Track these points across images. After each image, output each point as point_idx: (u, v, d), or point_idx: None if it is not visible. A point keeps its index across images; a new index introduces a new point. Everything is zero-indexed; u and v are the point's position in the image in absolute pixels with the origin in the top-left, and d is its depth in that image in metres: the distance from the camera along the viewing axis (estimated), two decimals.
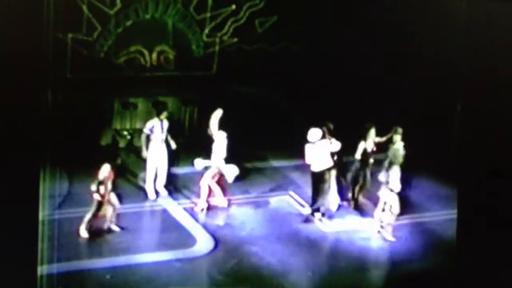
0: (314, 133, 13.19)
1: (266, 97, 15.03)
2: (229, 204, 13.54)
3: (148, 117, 14.47)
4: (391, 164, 12.95)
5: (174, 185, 13.90)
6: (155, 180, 13.63)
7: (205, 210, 13.33)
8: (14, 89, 10.44)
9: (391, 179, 12.78)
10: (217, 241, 12.41)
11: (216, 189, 13.42)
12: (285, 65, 14.95)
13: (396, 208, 12.82)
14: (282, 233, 12.85)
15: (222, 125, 13.47)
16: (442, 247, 12.54)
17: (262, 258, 12.05)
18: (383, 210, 12.94)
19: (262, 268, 11.81)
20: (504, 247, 10.88)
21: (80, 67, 14.48)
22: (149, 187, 13.63)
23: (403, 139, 13.36)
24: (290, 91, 14.96)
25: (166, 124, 13.64)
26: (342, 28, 14.51)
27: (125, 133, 15.26)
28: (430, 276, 11.89)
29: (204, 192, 13.38)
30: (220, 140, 13.33)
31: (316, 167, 13.29)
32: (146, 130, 13.59)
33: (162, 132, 13.57)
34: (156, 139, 13.54)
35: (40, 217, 11.59)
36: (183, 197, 13.66)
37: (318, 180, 13.30)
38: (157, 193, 13.61)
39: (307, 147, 13.19)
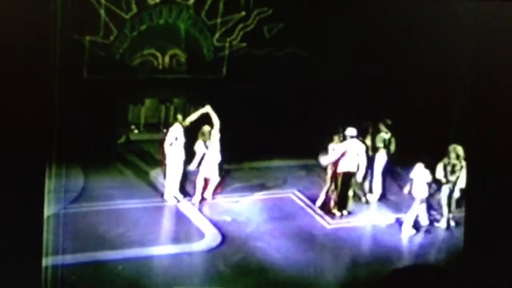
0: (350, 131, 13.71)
1: (272, 99, 15.14)
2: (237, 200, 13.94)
3: (154, 113, 15.04)
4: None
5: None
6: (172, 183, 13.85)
7: (198, 203, 13.67)
8: (28, 87, 10.61)
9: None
10: (224, 236, 12.76)
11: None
12: (291, 69, 15.27)
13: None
14: (287, 230, 13.16)
15: (229, 126, 13.90)
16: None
17: (267, 253, 12.36)
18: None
19: (267, 263, 12.11)
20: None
21: (96, 68, 14.93)
22: (168, 193, 13.82)
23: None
24: (296, 94, 15.22)
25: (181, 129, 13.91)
26: (347, 33, 14.86)
27: (133, 126, 15.73)
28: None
29: (199, 186, 13.78)
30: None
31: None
32: (170, 139, 13.84)
33: (183, 137, 13.86)
34: (178, 144, 13.85)
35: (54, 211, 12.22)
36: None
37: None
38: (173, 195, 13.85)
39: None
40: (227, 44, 15.67)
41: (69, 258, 11.52)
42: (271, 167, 15.13)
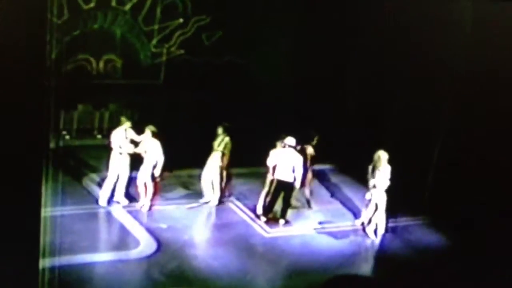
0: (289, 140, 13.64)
1: (209, 107, 15.25)
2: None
3: (88, 118, 14.62)
4: (374, 168, 13.41)
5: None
6: (113, 189, 13.53)
7: (147, 209, 13.44)
8: None
9: (377, 181, 13.29)
10: (159, 244, 12.49)
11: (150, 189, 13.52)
12: (229, 77, 15.35)
13: (382, 208, 13.34)
14: (225, 238, 13.03)
15: (165, 132, 13.57)
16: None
17: (203, 261, 12.16)
18: (374, 209, 13.39)
19: (203, 271, 11.88)
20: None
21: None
22: (103, 195, 13.47)
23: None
24: (232, 102, 15.20)
25: (129, 132, 13.53)
26: (287, 40, 15.01)
27: (64, 132, 15.38)
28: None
29: (141, 190, 13.53)
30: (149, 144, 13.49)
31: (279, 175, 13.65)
32: (113, 142, 13.42)
33: (126, 140, 13.49)
34: (118, 148, 13.45)
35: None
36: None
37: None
38: (110, 201, 13.51)
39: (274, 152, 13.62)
40: (164, 51, 15.65)
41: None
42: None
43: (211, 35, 15.69)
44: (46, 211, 12.52)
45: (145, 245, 12.44)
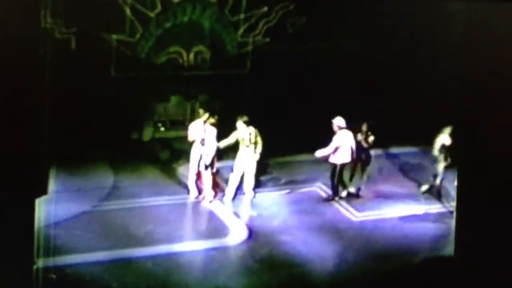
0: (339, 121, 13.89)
1: (296, 94, 15.45)
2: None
3: (179, 109, 15.13)
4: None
5: None
6: (197, 179, 14.00)
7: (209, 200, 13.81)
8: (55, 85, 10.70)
9: None
10: (250, 231, 12.92)
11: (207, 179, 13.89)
12: (315, 64, 15.39)
13: None
14: (313, 223, 13.29)
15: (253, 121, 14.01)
16: None
17: (294, 247, 12.47)
18: None
19: (293, 256, 12.22)
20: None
21: (123, 67, 15.21)
22: (191, 185, 14.01)
23: None
24: (319, 89, 15.41)
25: (208, 124, 13.91)
26: (366, 27, 14.93)
27: (159, 124, 15.99)
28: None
29: (206, 183, 13.89)
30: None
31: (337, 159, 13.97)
32: (191, 135, 13.89)
33: (205, 132, 13.84)
34: (200, 140, 13.84)
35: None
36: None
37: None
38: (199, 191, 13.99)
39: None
40: (250, 40, 15.83)
41: (100, 256, 11.79)
42: (296, 161, 15.27)
43: (295, 22, 15.75)
44: (143, 202, 13.59)
45: (237, 233, 12.90)
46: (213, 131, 13.86)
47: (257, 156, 14.05)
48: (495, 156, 10.69)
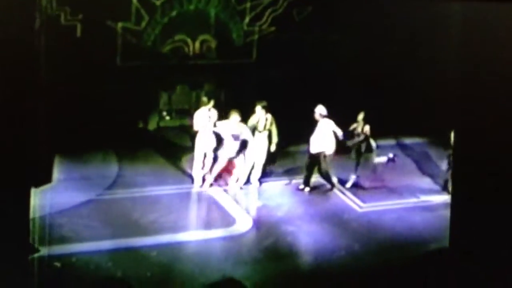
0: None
1: (302, 84, 15.33)
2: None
3: (185, 98, 15.08)
4: None
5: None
6: (202, 168, 14.03)
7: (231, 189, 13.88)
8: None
9: None
10: (255, 221, 12.94)
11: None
12: (321, 53, 15.35)
13: None
14: (317, 214, 13.29)
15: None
16: None
17: (298, 237, 12.49)
18: None
19: (298, 246, 12.25)
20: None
21: (129, 55, 15.18)
22: (196, 174, 14.03)
23: None
24: (325, 79, 15.30)
25: (213, 112, 14.01)
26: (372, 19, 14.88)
27: (165, 113, 15.96)
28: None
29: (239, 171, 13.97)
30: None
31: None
32: (196, 124, 13.91)
33: (209, 121, 13.91)
34: (205, 128, 13.90)
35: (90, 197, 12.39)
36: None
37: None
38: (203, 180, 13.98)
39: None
40: (256, 29, 15.76)
41: (104, 244, 11.78)
42: (300, 151, 15.17)
43: (301, 10, 15.69)
44: (147, 191, 13.60)
45: (241, 222, 12.89)
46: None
47: (273, 147, 14.15)
48: (492, 151, 10.64)
